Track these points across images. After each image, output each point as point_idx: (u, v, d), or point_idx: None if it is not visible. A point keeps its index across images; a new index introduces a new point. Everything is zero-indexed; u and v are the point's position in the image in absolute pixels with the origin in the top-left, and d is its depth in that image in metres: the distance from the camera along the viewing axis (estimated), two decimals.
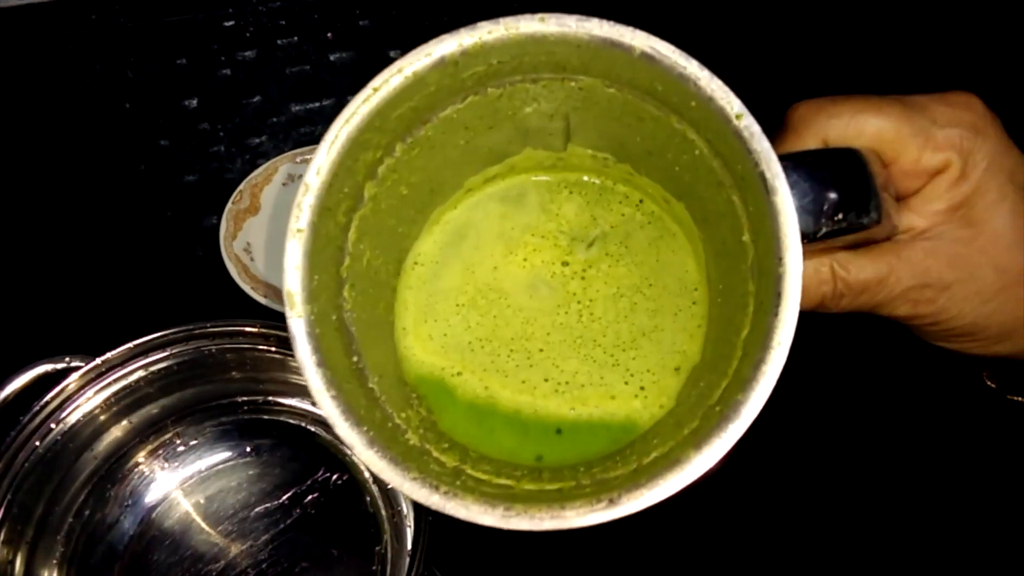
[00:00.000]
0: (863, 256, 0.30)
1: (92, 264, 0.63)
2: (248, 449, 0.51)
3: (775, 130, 0.32)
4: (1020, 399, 0.38)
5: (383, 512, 0.50)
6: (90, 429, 0.46)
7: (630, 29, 0.28)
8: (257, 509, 0.50)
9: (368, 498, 0.50)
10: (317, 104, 0.70)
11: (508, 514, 0.26)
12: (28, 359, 0.46)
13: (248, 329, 0.46)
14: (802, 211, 0.28)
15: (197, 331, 0.46)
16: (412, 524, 0.48)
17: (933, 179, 0.30)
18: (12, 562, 0.43)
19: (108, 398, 0.46)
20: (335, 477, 0.51)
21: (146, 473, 0.50)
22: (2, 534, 0.43)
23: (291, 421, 0.51)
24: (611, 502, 0.26)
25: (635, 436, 0.32)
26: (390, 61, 0.30)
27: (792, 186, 0.26)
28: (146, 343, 0.46)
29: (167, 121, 0.69)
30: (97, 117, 0.69)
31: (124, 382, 0.46)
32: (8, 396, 0.45)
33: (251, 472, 0.51)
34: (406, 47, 0.31)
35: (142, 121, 0.69)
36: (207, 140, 0.69)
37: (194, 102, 0.70)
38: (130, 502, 0.49)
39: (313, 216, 0.29)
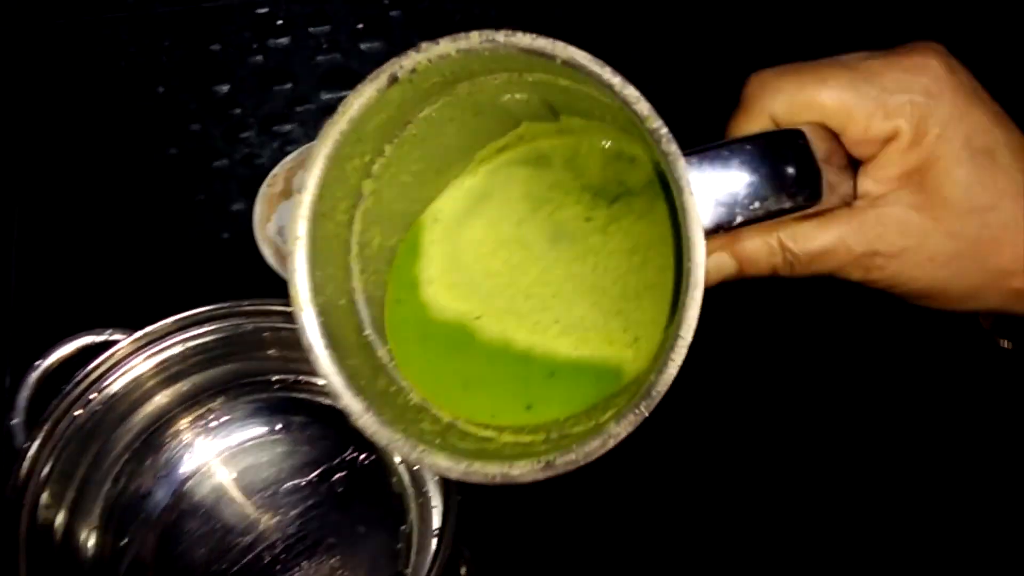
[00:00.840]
0: (814, 226, 0.31)
1: (127, 244, 0.64)
2: (280, 426, 0.52)
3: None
4: (1008, 344, 0.38)
5: (409, 492, 0.50)
6: (128, 400, 0.48)
7: (550, 41, 0.29)
8: (287, 485, 0.51)
9: (395, 478, 0.51)
10: (347, 93, 0.71)
11: (469, 470, 0.31)
12: (69, 332, 0.47)
13: (283, 309, 0.47)
14: (718, 204, 0.29)
15: (235, 309, 0.47)
16: (439, 504, 0.48)
17: (885, 146, 0.30)
18: (53, 521, 0.45)
19: (147, 371, 0.47)
20: (363, 457, 0.52)
21: (181, 445, 0.51)
22: (44, 497, 0.44)
23: (322, 400, 0.52)
24: (548, 465, 0.30)
25: (617, 389, 0.34)
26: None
27: (711, 179, 0.29)
28: (185, 318, 0.47)
29: (199, 106, 0.70)
30: (131, 100, 0.70)
31: (162, 356, 0.47)
32: (52, 365, 0.46)
33: (282, 449, 0.52)
34: (435, 38, 0.32)
35: (174, 105, 0.70)
36: (237, 126, 0.70)
37: (226, 88, 0.71)
38: (165, 472, 0.50)
39: (309, 224, 0.32)
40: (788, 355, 0.57)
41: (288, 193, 0.58)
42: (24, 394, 0.45)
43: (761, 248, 0.31)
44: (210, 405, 0.52)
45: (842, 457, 0.54)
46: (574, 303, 0.36)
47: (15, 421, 0.45)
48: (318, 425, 0.53)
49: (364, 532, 0.51)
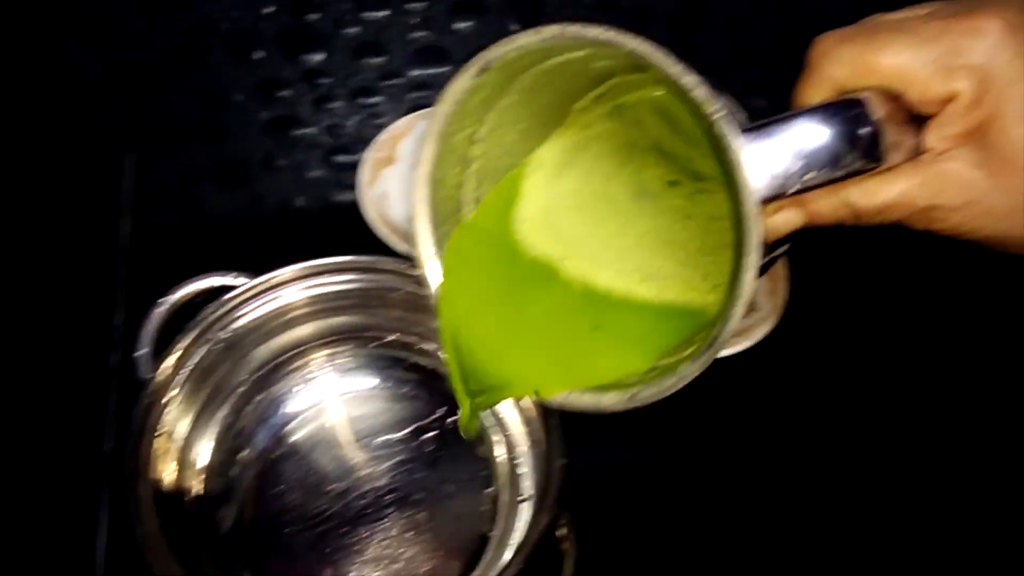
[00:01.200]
0: (878, 182, 0.33)
1: (207, 204, 0.65)
2: (379, 382, 0.54)
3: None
4: None
5: (498, 458, 0.52)
6: (247, 341, 0.49)
7: (617, 32, 0.32)
8: (381, 438, 0.52)
9: (484, 444, 0.52)
10: (436, 71, 0.73)
11: (567, 399, 0.39)
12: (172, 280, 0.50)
13: (398, 268, 0.49)
14: (773, 176, 0.32)
15: (353, 264, 0.49)
16: (528, 470, 0.50)
17: (946, 106, 0.32)
18: (170, 448, 0.47)
19: (266, 315, 0.49)
20: (453, 419, 0.53)
21: (287, 391, 0.53)
22: (165, 424, 0.46)
23: (420, 361, 0.54)
24: (632, 397, 0.36)
25: (697, 329, 0.38)
26: (510, 34, 0.35)
27: (767, 153, 0.31)
28: (306, 268, 0.48)
29: (291, 74, 0.71)
30: (230, 64, 0.72)
31: (282, 302, 0.49)
32: (178, 301, 0.48)
33: (379, 404, 0.53)
34: (527, 23, 0.35)
35: (269, 70, 0.72)
36: (326, 96, 0.71)
37: (319, 57, 0.72)
38: (269, 414, 0.52)
39: (427, 192, 0.39)
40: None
41: (391, 160, 0.59)
42: (150, 327, 0.47)
43: (827, 203, 0.33)
44: (319, 354, 0.53)
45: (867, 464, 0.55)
46: (653, 255, 0.40)
47: (141, 352, 0.46)
48: (415, 384, 0.54)
49: (451, 491, 0.52)
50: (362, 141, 0.68)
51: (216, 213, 0.63)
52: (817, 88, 0.33)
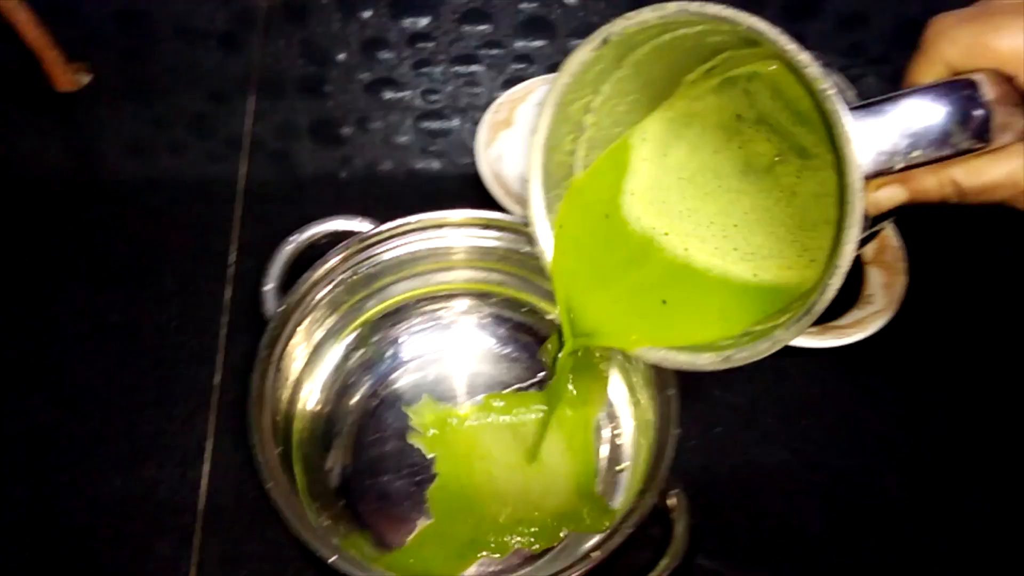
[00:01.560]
0: (984, 162, 0.33)
1: (316, 158, 0.66)
2: (486, 339, 0.55)
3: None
4: None
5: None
6: (365, 286, 0.50)
7: (735, 11, 0.33)
8: (482, 396, 0.53)
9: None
10: (538, 44, 0.73)
11: (666, 356, 0.41)
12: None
13: (517, 226, 0.49)
14: (879, 153, 0.33)
15: (479, 219, 0.50)
16: (628, 440, 0.51)
17: None
18: (288, 377, 0.48)
19: (388, 261, 0.50)
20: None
21: (395, 340, 0.54)
22: (285, 358, 0.47)
23: (531, 323, 0.55)
24: (727, 358, 0.38)
25: (798, 294, 0.39)
26: (618, 10, 0.37)
27: (875, 130, 0.32)
28: (433, 219, 0.49)
29: (396, 37, 0.72)
30: (335, 22, 0.73)
31: (405, 250, 0.50)
32: (304, 241, 0.49)
33: (485, 361, 0.54)
34: (634, 2, 0.36)
35: (374, 31, 0.72)
36: (426, 60, 0.72)
37: (424, 21, 0.73)
38: (375, 361, 0.53)
39: (541, 158, 0.41)
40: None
41: (509, 123, 0.60)
42: (278, 264, 0.48)
43: (932, 181, 0.34)
44: (430, 307, 0.54)
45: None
46: (754, 233, 0.42)
47: (268, 287, 0.47)
48: (520, 346, 0.55)
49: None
50: (455, 109, 0.68)
51: (305, 171, 0.64)
52: (930, 68, 0.34)
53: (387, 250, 0.49)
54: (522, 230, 0.49)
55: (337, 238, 0.49)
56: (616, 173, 0.44)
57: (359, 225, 0.49)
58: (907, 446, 0.52)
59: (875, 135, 0.33)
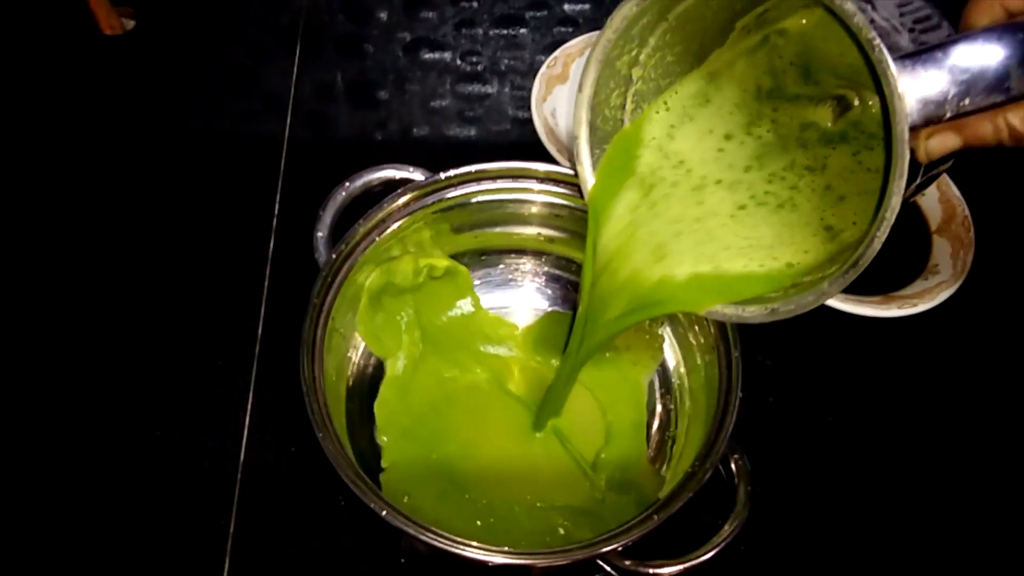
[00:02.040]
0: None
1: (352, 119, 0.65)
2: (533, 296, 0.54)
3: None
4: None
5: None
6: (415, 231, 0.48)
7: None
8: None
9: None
10: (584, 7, 0.72)
11: (711, 308, 0.40)
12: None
13: (570, 179, 0.48)
14: (927, 102, 0.32)
15: (527, 171, 0.48)
16: (680, 409, 0.50)
17: None
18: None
19: (436, 211, 0.48)
20: None
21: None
22: (336, 306, 0.45)
23: (573, 278, 0.53)
24: (773, 311, 0.38)
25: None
26: None
27: (923, 79, 0.31)
28: (484, 170, 0.48)
29: None
30: None
31: (460, 201, 0.48)
32: (357, 188, 0.47)
33: (534, 319, 0.53)
34: None
35: None
36: (469, 20, 0.70)
37: None
38: None
39: (588, 114, 0.42)
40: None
41: (565, 77, 0.58)
42: (330, 211, 0.46)
43: (987, 128, 0.33)
44: (485, 259, 0.53)
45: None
46: (764, 226, 0.40)
47: (320, 234, 0.46)
48: (568, 307, 0.53)
49: None
50: (495, 73, 0.67)
51: (340, 133, 0.63)
52: (986, 10, 0.33)
53: (444, 200, 0.47)
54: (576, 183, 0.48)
55: (390, 187, 0.47)
56: (641, 134, 0.44)
57: (413, 174, 0.47)
58: (971, 421, 0.51)
59: (924, 83, 0.31)
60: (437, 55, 0.68)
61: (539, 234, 0.51)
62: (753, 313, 0.39)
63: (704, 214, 0.42)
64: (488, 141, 0.62)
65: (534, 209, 0.50)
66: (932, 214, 0.55)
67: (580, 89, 0.41)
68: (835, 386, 0.52)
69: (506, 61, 0.68)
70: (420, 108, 0.65)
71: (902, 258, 0.54)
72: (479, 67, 0.67)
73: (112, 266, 0.55)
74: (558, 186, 0.49)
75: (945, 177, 0.54)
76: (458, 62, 0.67)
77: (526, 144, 0.58)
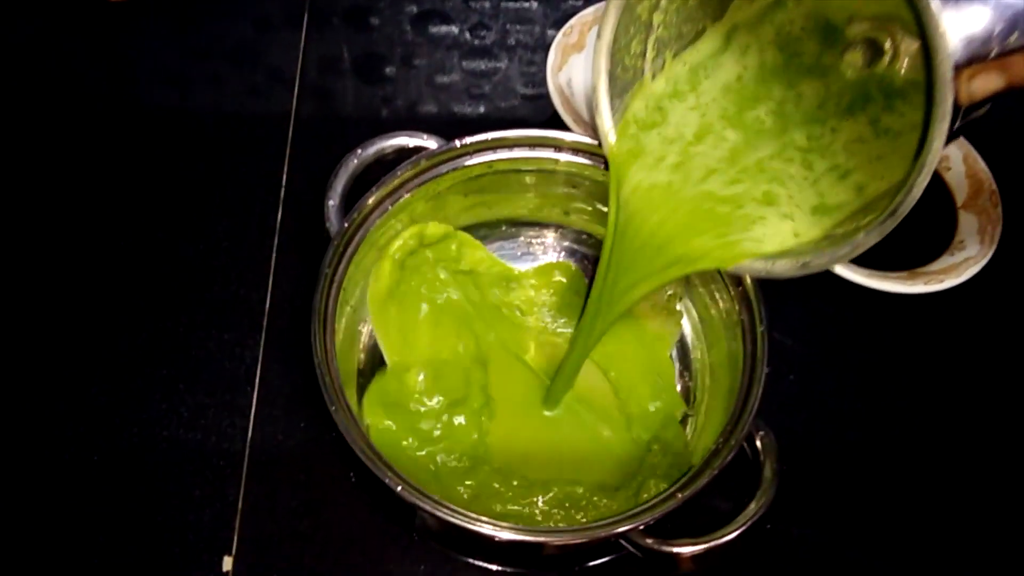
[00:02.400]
0: None
1: (359, 95, 0.63)
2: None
3: None
4: None
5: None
6: (428, 204, 0.47)
7: None
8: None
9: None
10: None
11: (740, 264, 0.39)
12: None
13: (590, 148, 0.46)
14: (971, 40, 0.30)
15: (546, 139, 0.47)
16: (699, 385, 0.48)
17: None
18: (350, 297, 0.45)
19: (454, 180, 0.47)
20: None
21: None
22: (347, 275, 0.44)
23: (593, 253, 0.52)
24: (804, 265, 0.36)
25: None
26: None
27: (965, 17, 0.30)
28: (499, 139, 0.46)
29: None
30: None
31: (477, 171, 0.47)
32: (369, 156, 0.46)
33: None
34: None
35: None
36: None
37: None
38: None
39: (607, 62, 0.40)
40: None
41: (582, 46, 0.57)
42: (342, 179, 0.45)
43: None
44: (498, 231, 0.52)
45: None
46: (791, 179, 0.39)
47: (332, 203, 0.45)
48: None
49: None
50: (503, 48, 0.65)
51: (346, 110, 0.61)
52: None
53: (460, 168, 0.46)
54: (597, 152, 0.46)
55: (403, 156, 0.46)
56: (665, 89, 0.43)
57: (427, 141, 0.46)
58: (999, 399, 0.50)
59: (968, 18, 0.30)
60: (445, 28, 0.66)
61: (558, 206, 0.50)
62: (784, 267, 0.37)
63: (729, 167, 0.40)
64: (495, 118, 0.61)
65: (554, 180, 0.48)
66: (958, 189, 0.53)
67: (599, 36, 0.40)
68: (858, 364, 0.51)
69: (516, 35, 0.66)
70: (427, 84, 0.63)
71: (927, 233, 0.52)
72: (487, 41, 0.65)
73: (117, 240, 0.53)
74: (578, 156, 0.47)
75: (972, 151, 0.53)
76: (466, 35, 0.65)
77: (536, 123, 0.56)
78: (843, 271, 0.49)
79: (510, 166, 0.47)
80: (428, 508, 0.37)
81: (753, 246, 0.39)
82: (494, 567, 0.44)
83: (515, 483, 0.44)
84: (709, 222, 0.40)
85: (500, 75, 0.64)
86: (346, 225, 0.43)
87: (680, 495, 0.38)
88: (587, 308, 0.44)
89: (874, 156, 0.37)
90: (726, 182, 0.41)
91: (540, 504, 0.43)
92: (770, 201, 0.40)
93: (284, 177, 0.56)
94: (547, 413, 0.48)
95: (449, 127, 0.60)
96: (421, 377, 0.46)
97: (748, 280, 0.42)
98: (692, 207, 0.41)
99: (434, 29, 0.66)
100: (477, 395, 0.46)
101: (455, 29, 0.67)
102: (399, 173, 0.44)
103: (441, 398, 0.45)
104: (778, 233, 0.39)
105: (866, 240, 0.34)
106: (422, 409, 0.45)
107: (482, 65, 0.65)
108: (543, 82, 0.56)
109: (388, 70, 0.63)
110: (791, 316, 0.52)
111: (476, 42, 0.66)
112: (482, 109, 0.62)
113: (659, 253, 0.41)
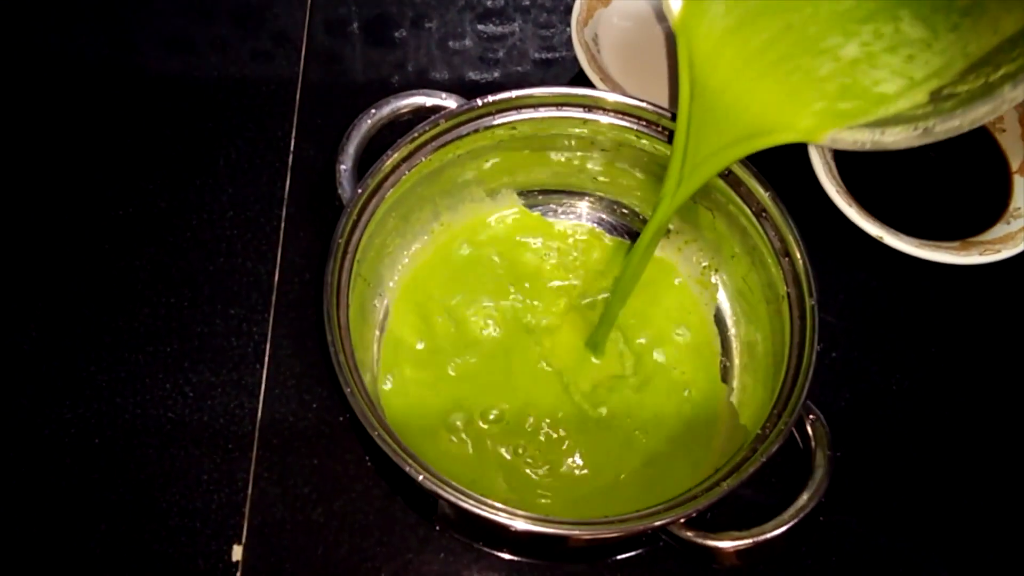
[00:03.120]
0: None
1: (369, 59, 0.60)
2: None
3: None
4: None
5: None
6: (449, 168, 0.44)
7: None
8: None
9: None
10: None
11: (836, 135, 0.30)
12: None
13: (621, 107, 0.43)
14: None
15: (575, 97, 0.43)
16: (729, 363, 0.46)
17: None
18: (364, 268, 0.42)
19: (474, 143, 0.43)
20: None
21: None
22: (362, 243, 0.41)
23: (626, 224, 0.49)
24: (926, 131, 0.28)
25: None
26: None
27: None
28: (524, 97, 0.43)
29: None
30: None
31: (493, 130, 0.43)
32: (384, 117, 0.43)
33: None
34: None
35: None
36: None
37: None
38: None
39: None
40: None
41: (607, 1, 0.53)
42: (354, 141, 0.42)
43: None
44: (524, 197, 0.49)
45: None
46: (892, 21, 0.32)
47: (344, 167, 0.41)
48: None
49: None
50: (517, 9, 0.61)
51: (355, 76, 0.57)
52: None
53: (478, 129, 0.42)
54: (635, 113, 0.42)
55: (419, 117, 0.43)
56: None
57: (446, 100, 0.42)
58: None
59: None
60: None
61: (590, 171, 0.46)
62: (898, 136, 0.29)
63: (817, 18, 0.33)
64: (508, 86, 0.57)
65: (585, 143, 0.44)
66: (1013, 152, 0.50)
67: None
68: (906, 340, 0.48)
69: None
70: (439, 49, 0.59)
71: (979, 200, 0.49)
72: (500, 2, 0.61)
73: (116, 209, 0.50)
74: (609, 115, 0.43)
75: None
76: (474, 5, 0.62)
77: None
78: (891, 239, 0.46)
79: (537, 128, 0.44)
80: (452, 499, 0.34)
81: (855, 107, 0.32)
82: (519, 559, 0.41)
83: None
84: (797, 82, 0.33)
85: (514, 40, 0.60)
86: (360, 191, 0.40)
87: (725, 484, 0.35)
88: (661, 201, 0.39)
89: None
90: (816, 38, 0.33)
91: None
92: (869, 57, 0.32)
93: (292, 143, 0.52)
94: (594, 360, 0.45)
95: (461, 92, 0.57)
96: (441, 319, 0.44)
97: (797, 252, 0.39)
98: (774, 65, 0.34)
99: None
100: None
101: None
102: (415, 135, 0.41)
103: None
104: (882, 93, 0.31)
105: (1015, 94, 0.26)
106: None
107: (495, 30, 0.61)
108: (559, 46, 0.53)
109: (399, 35, 0.59)
110: (832, 289, 0.49)
111: (489, 3, 0.62)
112: (495, 75, 0.59)
113: (740, 125, 0.35)
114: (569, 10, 0.53)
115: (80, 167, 0.52)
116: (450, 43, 0.60)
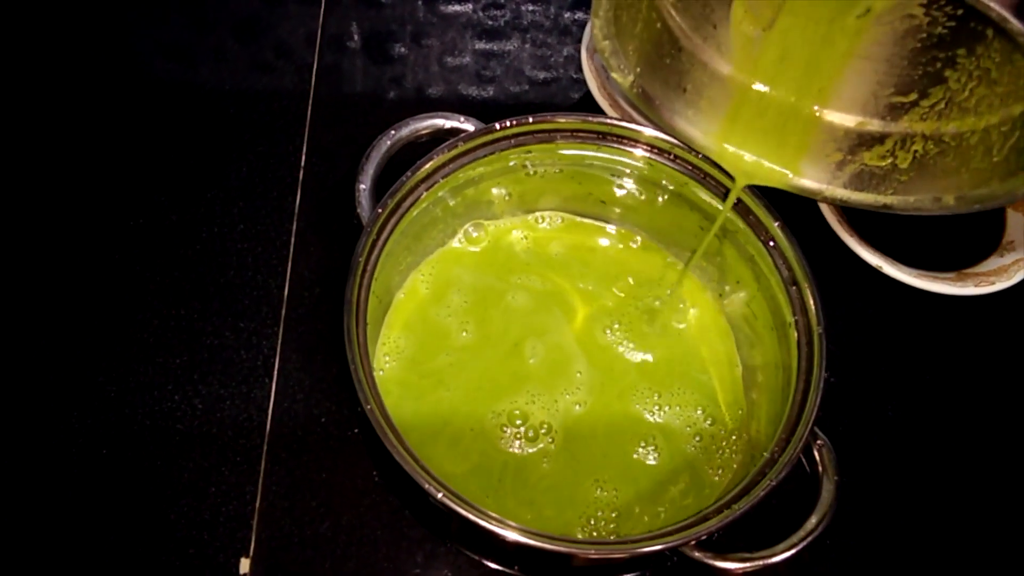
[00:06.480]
0: None
1: (367, 73, 0.60)
2: None
3: None
4: None
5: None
6: (464, 189, 0.45)
7: None
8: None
9: None
10: None
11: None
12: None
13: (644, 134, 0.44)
14: None
15: (596, 126, 0.44)
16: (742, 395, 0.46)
17: None
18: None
19: (491, 166, 0.44)
20: None
21: None
22: (381, 260, 0.41)
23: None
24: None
25: None
26: None
27: None
28: (542, 122, 0.44)
29: None
30: None
31: (515, 156, 0.44)
32: (403, 137, 0.43)
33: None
34: None
35: None
36: None
37: None
38: None
39: None
40: None
41: None
42: (374, 161, 0.43)
43: None
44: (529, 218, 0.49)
45: None
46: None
47: (363, 187, 0.42)
48: None
49: None
50: (516, 28, 0.62)
51: (353, 89, 0.58)
52: None
53: (495, 152, 0.43)
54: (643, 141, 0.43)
55: (438, 139, 0.43)
56: None
57: (464, 124, 0.43)
58: None
59: None
60: (458, 7, 0.63)
61: (596, 196, 0.47)
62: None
63: None
64: (504, 104, 0.58)
65: (600, 170, 0.46)
66: None
67: None
68: (903, 368, 0.49)
69: (528, 16, 0.63)
70: (437, 65, 0.60)
71: (973, 233, 0.50)
72: (499, 22, 0.62)
73: (126, 221, 0.51)
74: (628, 145, 0.44)
75: None
76: (479, 15, 0.62)
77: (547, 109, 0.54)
78: (890, 269, 0.47)
79: (553, 161, 0.44)
80: (472, 517, 0.34)
81: None
82: None
83: None
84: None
85: (511, 58, 0.61)
86: (379, 211, 0.40)
87: (736, 506, 0.36)
88: None
89: None
90: None
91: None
92: None
93: (303, 158, 0.53)
94: None
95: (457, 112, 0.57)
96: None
97: (805, 282, 0.41)
98: None
99: (446, 8, 0.63)
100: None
101: (468, 8, 0.64)
102: (434, 157, 0.42)
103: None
104: None
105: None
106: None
107: (493, 47, 0.62)
108: (556, 66, 0.54)
109: (398, 49, 0.60)
110: (831, 316, 0.50)
111: (488, 22, 0.63)
112: (490, 92, 0.59)
113: None
114: (565, 31, 0.54)
115: (93, 178, 0.52)
116: (447, 59, 0.61)
